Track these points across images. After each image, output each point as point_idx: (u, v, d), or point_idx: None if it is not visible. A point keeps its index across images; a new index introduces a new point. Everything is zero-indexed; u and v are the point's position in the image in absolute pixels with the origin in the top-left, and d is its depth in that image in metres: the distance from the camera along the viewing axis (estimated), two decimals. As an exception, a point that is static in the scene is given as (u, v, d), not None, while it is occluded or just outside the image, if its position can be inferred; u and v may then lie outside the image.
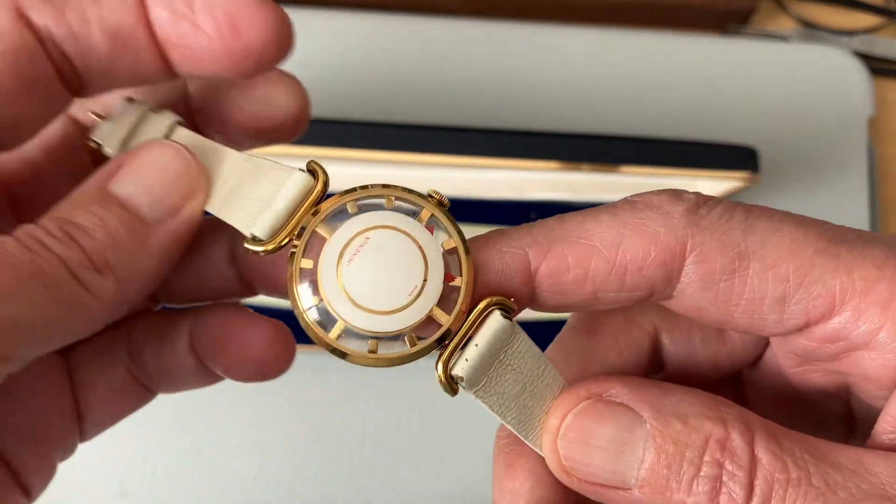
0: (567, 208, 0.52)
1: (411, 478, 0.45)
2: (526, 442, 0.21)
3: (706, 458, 0.19)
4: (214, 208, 0.22)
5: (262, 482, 0.45)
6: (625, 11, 0.55)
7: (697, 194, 0.21)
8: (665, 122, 0.51)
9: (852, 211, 0.50)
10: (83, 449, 0.26)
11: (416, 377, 0.46)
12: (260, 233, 0.21)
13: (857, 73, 0.53)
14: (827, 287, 0.19)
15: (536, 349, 0.21)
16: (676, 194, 0.21)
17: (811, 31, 0.56)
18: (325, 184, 0.21)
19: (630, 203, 0.21)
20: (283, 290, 0.22)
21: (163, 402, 0.45)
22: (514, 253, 0.21)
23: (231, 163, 0.22)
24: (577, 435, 0.20)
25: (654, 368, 0.25)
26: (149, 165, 0.21)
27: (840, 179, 0.51)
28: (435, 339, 0.20)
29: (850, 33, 0.56)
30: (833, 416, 0.24)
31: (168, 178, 0.21)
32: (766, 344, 0.24)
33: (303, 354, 0.45)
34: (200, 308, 0.25)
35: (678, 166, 0.43)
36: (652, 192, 0.22)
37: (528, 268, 0.21)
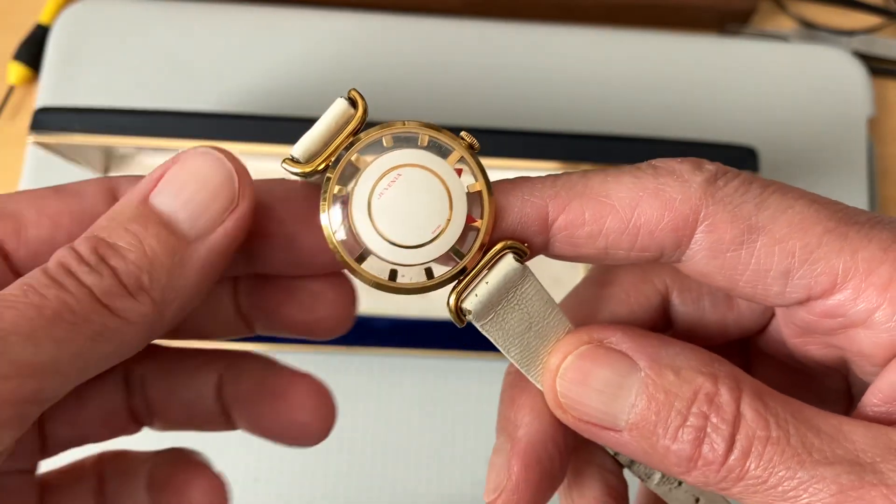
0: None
1: (411, 478, 0.45)
2: (527, 377, 0.23)
3: (693, 409, 0.20)
4: None
5: (262, 482, 0.45)
6: (625, 11, 0.55)
7: (718, 165, 0.22)
8: (665, 122, 0.51)
9: (852, 211, 0.50)
10: (85, 448, 0.26)
11: (416, 377, 0.46)
12: (297, 153, 0.21)
13: (856, 73, 0.53)
14: (830, 265, 0.20)
15: (546, 294, 0.22)
16: (698, 164, 0.22)
17: (811, 31, 0.56)
18: (365, 112, 0.22)
19: (653, 167, 0.22)
20: (282, 329, 0.24)
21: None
22: (534, 202, 0.22)
23: None
24: (574, 375, 0.21)
25: (663, 326, 0.26)
26: (188, 178, 0.21)
27: (840, 179, 0.51)
28: (451, 274, 0.22)
29: (850, 33, 0.56)
30: (833, 391, 0.25)
31: (208, 191, 0.21)
32: (773, 314, 0.25)
33: (303, 354, 0.46)
34: (232, 353, 0.26)
35: (678, 166, 0.43)
36: (676, 159, 0.22)
37: (545, 217, 0.21)
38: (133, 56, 0.51)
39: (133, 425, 0.26)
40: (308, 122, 0.21)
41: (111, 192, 0.23)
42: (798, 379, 0.25)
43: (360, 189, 0.21)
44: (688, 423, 0.20)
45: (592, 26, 0.54)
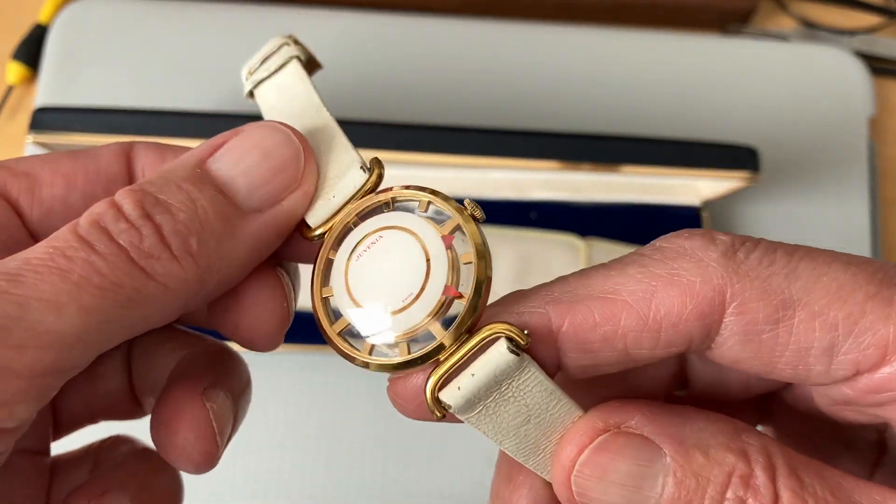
0: (567, 208, 0.52)
1: (411, 478, 0.45)
2: (526, 466, 0.20)
3: (728, 494, 0.18)
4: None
5: (262, 482, 0.45)
6: (625, 11, 0.55)
7: (732, 235, 0.19)
8: (665, 122, 0.51)
9: (853, 211, 0.50)
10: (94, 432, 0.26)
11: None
12: (311, 220, 0.21)
13: (857, 73, 0.53)
14: (878, 336, 0.18)
15: (549, 383, 0.19)
16: (710, 237, 0.19)
17: (812, 30, 0.56)
18: (378, 179, 0.21)
19: (659, 251, 0.20)
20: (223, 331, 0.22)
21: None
22: (532, 312, 0.19)
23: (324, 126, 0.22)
24: (593, 472, 0.19)
25: (679, 384, 0.24)
26: (251, 147, 0.20)
27: (840, 179, 0.51)
28: (423, 353, 0.19)
29: (851, 33, 0.56)
30: (864, 441, 0.23)
31: (272, 164, 0.20)
32: None
33: (304, 354, 0.46)
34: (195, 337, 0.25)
35: (678, 166, 0.43)
36: (682, 235, 0.20)
37: (549, 328, 0.19)
38: (132, 55, 0.51)
39: (139, 408, 0.26)
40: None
41: (126, 155, 0.22)
42: (825, 429, 0.23)
43: (343, 251, 0.20)
44: None
45: (593, 26, 0.54)
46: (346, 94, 0.50)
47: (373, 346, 0.19)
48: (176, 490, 0.25)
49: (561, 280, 0.20)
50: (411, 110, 0.50)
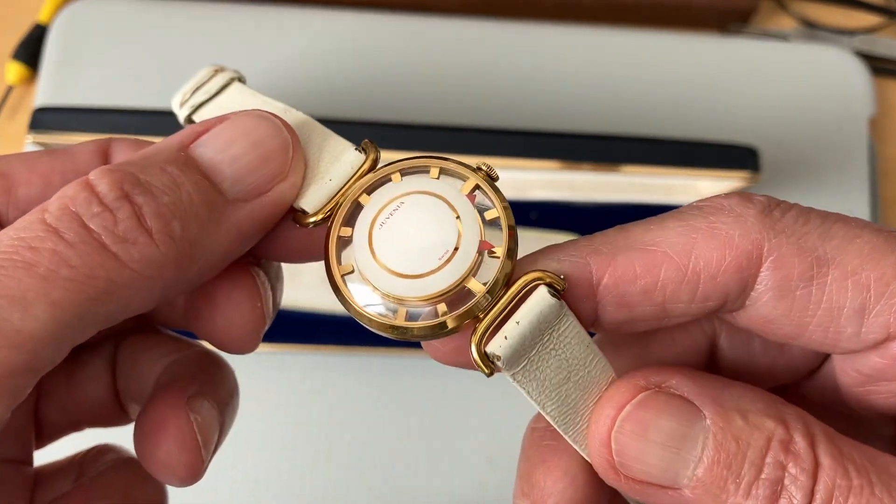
0: (567, 208, 0.52)
1: (412, 478, 0.45)
2: (565, 437, 0.20)
3: (768, 459, 0.17)
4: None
5: (262, 483, 0.45)
6: (625, 11, 0.55)
7: (768, 197, 0.20)
8: (665, 122, 0.51)
9: (853, 211, 0.50)
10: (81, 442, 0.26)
11: (416, 377, 0.46)
12: (305, 205, 0.20)
13: (857, 73, 0.53)
14: None
15: (586, 336, 0.19)
16: (747, 196, 0.19)
17: (812, 30, 0.56)
18: (374, 161, 0.20)
19: (698, 208, 0.20)
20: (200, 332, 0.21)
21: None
22: (572, 261, 0.19)
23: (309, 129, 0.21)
24: (634, 428, 0.18)
25: (707, 370, 0.23)
26: (238, 135, 0.19)
27: (841, 179, 0.51)
28: (465, 309, 0.18)
29: (851, 33, 0.56)
30: (881, 438, 0.23)
31: (258, 153, 0.19)
32: (825, 358, 0.23)
33: (304, 355, 0.46)
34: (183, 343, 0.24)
35: (679, 166, 0.43)
36: (720, 195, 0.20)
37: (589, 279, 0.19)
38: (132, 55, 0.50)
39: (124, 415, 0.25)
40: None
41: (104, 152, 0.21)
42: (841, 425, 0.23)
43: (362, 223, 0.19)
44: (763, 476, 0.17)
45: (593, 26, 0.54)
46: (347, 94, 0.50)
47: (408, 311, 0.19)
48: (160, 501, 0.25)
49: (601, 233, 0.20)
50: (411, 110, 0.50)
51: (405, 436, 0.45)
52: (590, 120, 0.51)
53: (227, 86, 0.22)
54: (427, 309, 0.19)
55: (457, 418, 0.46)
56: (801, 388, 0.24)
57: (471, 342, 0.18)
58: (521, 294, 0.19)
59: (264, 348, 0.44)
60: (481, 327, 0.18)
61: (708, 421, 0.18)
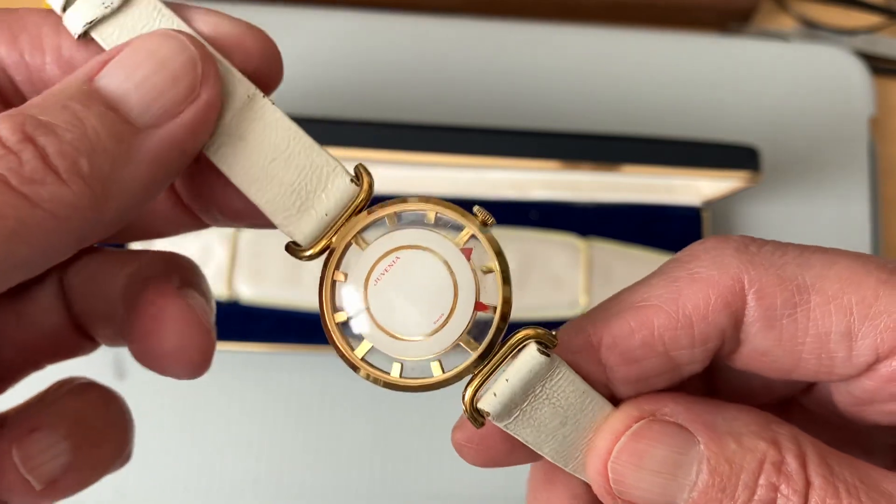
0: (568, 208, 0.52)
1: (411, 478, 0.45)
2: (566, 469, 0.20)
3: (761, 481, 0.18)
4: (240, 177, 0.19)
5: (262, 483, 0.45)
6: (625, 11, 0.55)
7: (742, 236, 0.20)
8: (665, 122, 0.51)
9: (853, 211, 0.50)
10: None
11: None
12: (301, 239, 0.20)
13: (858, 73, 0.53)
14: (894, 318, 0.19)
15: (581, 384, 0.20)
16: (723, 238, 0.20)
17: (812, 30, 0.56)
18: (370, 189, 0.20)
19: (676, 260, 0.21)
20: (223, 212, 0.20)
21: (162, 403, 0.45)
22: (572, 332, 0.20)
23: (264, 120, 0.19)
24: (629, 458, 0.19)
25: (706, 390, 0.24)
26: (143, 59, 0.18)
27: (841, 179, 0.51)
28: (461, 369, 0.19)
29: (852, 33, 0.56)
30: (882, 445, 0.24)
31: (165, 74, 0.18)
32: None
33: (304, 355, 0.46)
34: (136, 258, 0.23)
35: (679, 166, 0.43)
36: (696, 243, 0.21)
37: (590, 343, 0.20)
38: (132, 55, 0.50)
39: (85, 341, 0.24)
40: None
41: (12, 33, 0.19)
42: (843, 435, 0.23)
43: (357, 276, 0.19)
44: (756, 497, 0.18)
45: (593, 25, 0.54)
46: (346, 94, 0.50)
47: (402, 366, 0.20)
48: (121, 423, 0.23)
49: (594, 308, 0.21)
50: (411, 110, 0.50)
51: (405, 436, 0.45)
52: (590, 120, 0.51)
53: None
54: (422, 365, 0.19)
55: (456, 418, 0.46)
56: (799, 399, 0.24)
57: (464, 395, 0.19)
58: (511, 351, 0.19)
59: (265, 348, 0.44)
60: (473, 384, 0.19)
61: (702, 446, 0.19)
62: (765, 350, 0.20)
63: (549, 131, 0.44)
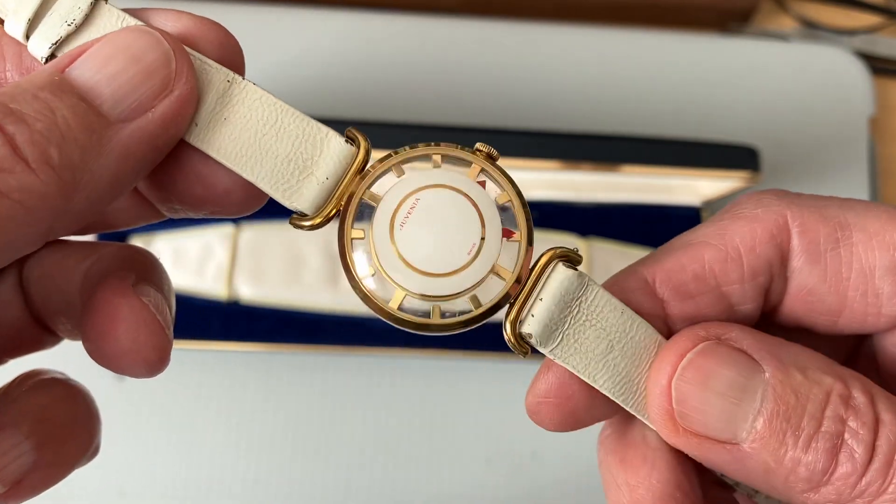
0: (568, 208, 0.52)
1: (411, 478, 0.45)
2: (625, 407, 0.20)
3: (828, 412, 0.18)
4: (232, 157, 0.19)
5: (262, 483, 0.45)
6: (625, 11, 0.55)
7: (780, 189, 0.22)
8: (666, 122, 0.51)
9: (853, 210, 0.50)
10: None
11: (416, 378, 0.46)
12: (303, 206, 0.19)
13: (858, 73, 0.53)
14: None
15: (619, 303, 0.20)
16: (761, 191, 0.21)
17: (812, 30, 0.56)
18: (368, 151, 0.20)
19: (722, 210, 0.21)
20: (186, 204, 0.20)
21: (162, 403, 0.45)
22: (626, 275, 0.21)
23: (247, 101, 0.19)
24: (695, 376, 0.19)
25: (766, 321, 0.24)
26: (115, 52, 0.18)
27: (841, 179, 0.51)
28: (499, 297, 0.19)
29: (851, 33, 0.56)
30: None
31: (138, 69, 0.18)
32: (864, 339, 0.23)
33: (304, 355, 0.46)
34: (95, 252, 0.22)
35: (679, 166, 0.43)
36: (741, 195, 0.22)
37: (645, 280, 0.20)
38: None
39: (47, 335, 0.23)
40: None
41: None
42: None
43: (379, 226, 0.19)
44: (823, 429, 0.17)
45: (593, 25, 0.54)
46: (346, 94, 0.50)
47: (441, 307, 0.19)
48: (87, 418, 0.23)
49: (645, 255, 0.21)
50: (411, 110, 0.50)
51: (405, 436, 0.45)
52: (590, 120, 0.51)
53: (94, 10, 0.19)
54: (460, 302, 0.19)
55: (455, 418, 0.46)
56: (862, 350, 0.24)
57: (504, 327, 0.19)
58: (540, 274, 0.19)
59: (265, 348, 0.44)
60: (513, 311, 0.19)
61: (767, 374, 0.18)
62: (811, 288, 0.20)
63: (549, 131, 0.44)
